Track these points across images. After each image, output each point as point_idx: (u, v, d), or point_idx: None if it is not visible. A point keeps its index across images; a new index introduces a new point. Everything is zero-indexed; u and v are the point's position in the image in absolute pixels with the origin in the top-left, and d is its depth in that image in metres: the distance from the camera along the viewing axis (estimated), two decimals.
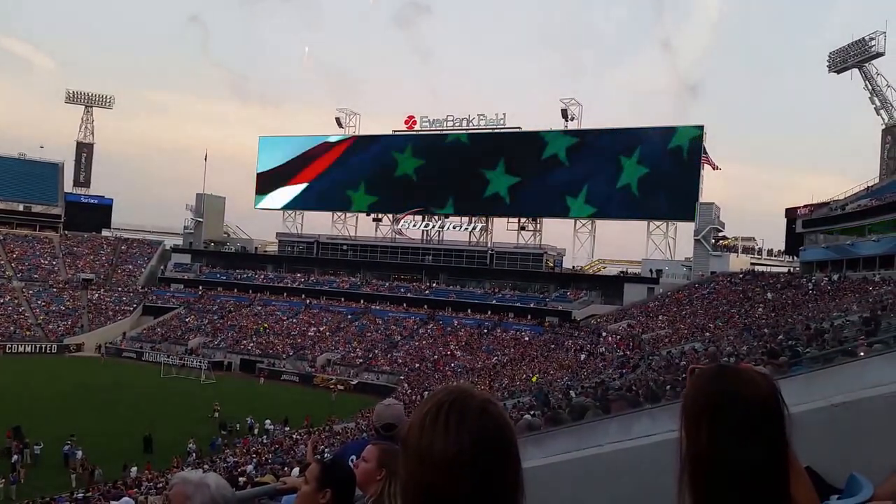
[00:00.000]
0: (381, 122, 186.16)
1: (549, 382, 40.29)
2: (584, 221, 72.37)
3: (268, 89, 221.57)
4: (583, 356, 47.38)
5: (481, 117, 75.81)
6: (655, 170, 66.06)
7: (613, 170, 68.43)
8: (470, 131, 76.72)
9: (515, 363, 53.49)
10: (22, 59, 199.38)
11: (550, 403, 23.92)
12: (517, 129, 75.23)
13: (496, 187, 73.97)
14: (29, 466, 30.73)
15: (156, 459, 31.75)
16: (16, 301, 72.51)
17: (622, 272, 70.30)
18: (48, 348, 67.09)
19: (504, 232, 76.33)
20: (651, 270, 65.45)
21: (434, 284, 75.21)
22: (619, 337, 49.55)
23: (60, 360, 63.30)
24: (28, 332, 68.44)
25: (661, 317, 52.07)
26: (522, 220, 74.73)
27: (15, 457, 30.53)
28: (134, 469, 29.97)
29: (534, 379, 44.80)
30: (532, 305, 66.99)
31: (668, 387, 16.90)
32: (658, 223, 69.06)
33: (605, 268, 73.57)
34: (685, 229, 67.70)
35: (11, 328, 68.00)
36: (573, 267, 73.80)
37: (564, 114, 72.37)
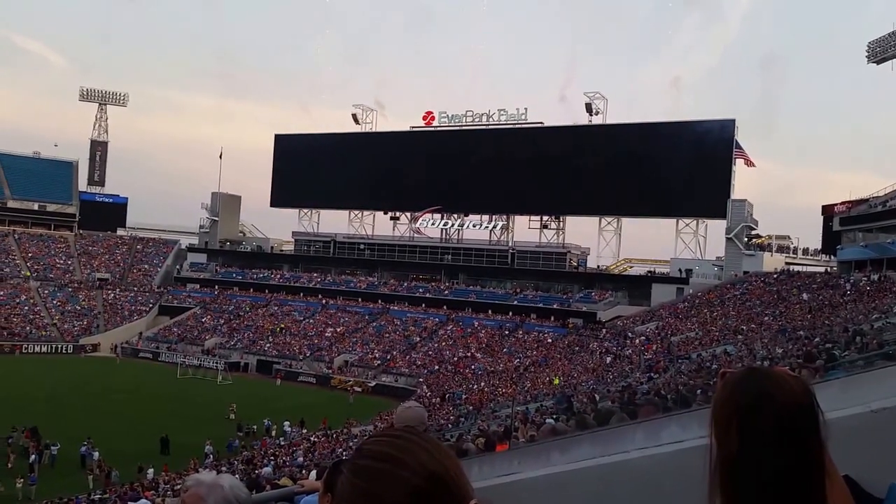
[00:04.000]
0: (398, 118, 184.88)
1: (572, 386, 39.85)
2: (609, 219, 70.80)
3: (284, 87, 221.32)
4: (608, 359, 46.76)
5: (502, 112, 74.45)
6: (684, 165, 64.34)
7: (641, 166, 66.73)
8: (490, 127, 75.34)
9: (538, 366, 52.77)
10: (36, 57, 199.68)
11: (574, 407, 23.66)
12: (539, 125, 73.78)
13: None
14: (46, 467, 30.76)
15: (173, 461, 31.53)
16: (31, 301, 71.93)
17: (650, 272, 68.90)
18: (64, 349, 66.45)
19: (525, 230, 75.00)
20: (680, 270, 63.87)
21: (453, 284, 73.91)
22: (646, 339, 48.66)
23: (76, 360, 62.76)
24: (44, 333, 67.86)
25: (691, 318, 50.79)
26: (545, 217, 73.25)
27: (33, 457, 30.65)
28: (150, 470, 29.83)
29: (556, 382, 44.45)
30: (555, 306, 65.55)
31: (699, 391, 16.64)
32: (688, 221, 67.44)
33: (631, 267, 72.18)
34: (716, 227, 65.95)
35: (27, 328, 67.42)
36: (598, 266, 72.30)
37: (589, 108, 70.90)
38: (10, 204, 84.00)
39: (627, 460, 3.19)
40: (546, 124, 73.63)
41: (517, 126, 74.10)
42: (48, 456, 31.58)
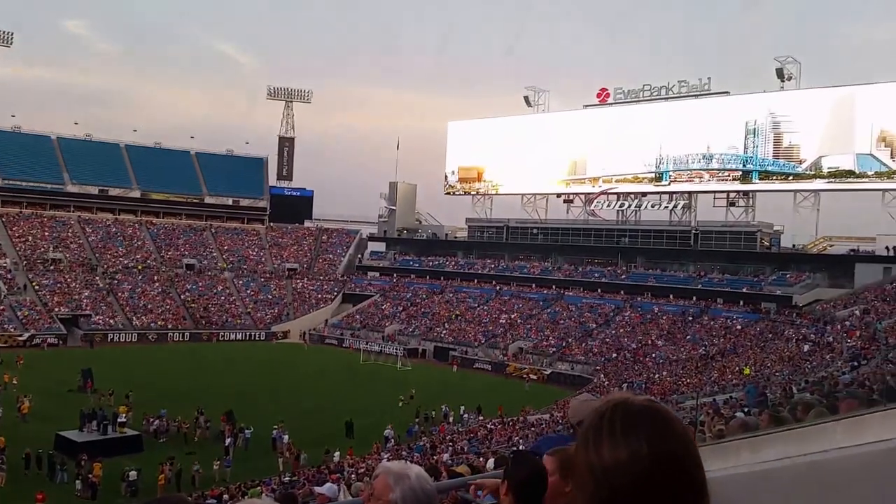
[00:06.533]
0: (571, 97, 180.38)
1: (765, 377, 37.17)
2: (805, 194, 64.44)
3: (454, 74, 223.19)
4: (806, 347, 42.85)
5: (682, 84, 70.16)
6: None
7: (844, 132, 60.20)
8: (669, 100, 71.26)
9: (726, 354, 49.82)
10: (228, 59, 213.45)
11: (767, 400, 22.02)
12: (724, 94, 68.78)
13: None
14: (240, 450, 32.03)
15: (357, 444, 32.30)
16: (227, 291, 77.44)
17: (853, 251, 61.88)
18: (257, 336, 70.92)
19: (710, 209, 70.00)
20: (888, 248, 57.04)
21: (631, 268, 70.95)
22: (849, 325, 43.94)
23: (268, 346, 66.72)
24: (238, 321, 72.77)
25: None
26: (731, 194, 68.27)
27: (228, 440, 31.97)
28: (336, 454, 30.49)
29: (746, 371, 41.89)
30: (744, 290, 60.96)
31: None
32: None
33: (831, 246, 65.40)
34: None
35: (224, 317, 72.60)
36: (793, 246, 66.30)
37: (780, 73, 64.89)
38: (207, 200, 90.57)
39: (825, 460, 2.83)
40: (732, 94, 68.56)
41: (700, 97, 69.53)
42: (242, 439, 32.82)
